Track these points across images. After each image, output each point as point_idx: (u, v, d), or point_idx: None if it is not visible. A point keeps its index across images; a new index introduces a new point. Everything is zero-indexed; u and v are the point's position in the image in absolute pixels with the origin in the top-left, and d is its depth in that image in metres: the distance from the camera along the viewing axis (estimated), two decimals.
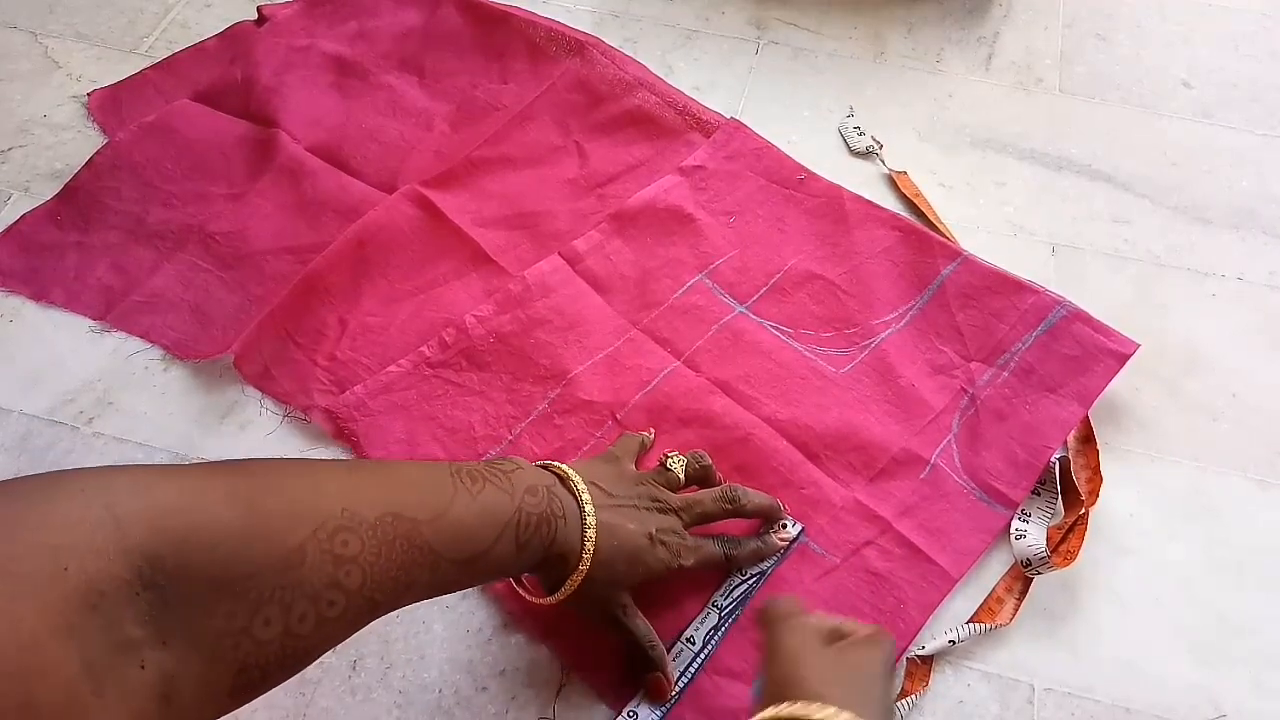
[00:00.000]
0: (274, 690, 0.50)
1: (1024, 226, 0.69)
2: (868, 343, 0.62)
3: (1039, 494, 0.56)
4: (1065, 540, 0.53)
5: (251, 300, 0.65)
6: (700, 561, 0.49)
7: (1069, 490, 0.55)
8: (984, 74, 0.79)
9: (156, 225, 0.69)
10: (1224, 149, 0.74)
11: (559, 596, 0.45)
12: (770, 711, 0.37)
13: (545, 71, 0.77)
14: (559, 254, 0.66)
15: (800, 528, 0.54)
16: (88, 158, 0.72)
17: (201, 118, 0.75)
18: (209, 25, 0.82)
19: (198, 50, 0.80)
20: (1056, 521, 0.55)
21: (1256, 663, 0.51)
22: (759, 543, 0.53)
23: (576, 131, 0.74)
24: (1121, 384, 0.61)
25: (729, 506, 0.51)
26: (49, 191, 0.71)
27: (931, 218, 0.68)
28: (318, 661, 0.50)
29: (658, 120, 0.73)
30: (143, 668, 0.28)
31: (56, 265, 0.67)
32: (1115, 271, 0.67)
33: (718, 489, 0.52)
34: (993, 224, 0.69)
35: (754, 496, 0.52)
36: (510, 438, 0.59)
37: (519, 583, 0.49)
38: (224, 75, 0.77)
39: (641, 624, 0.48)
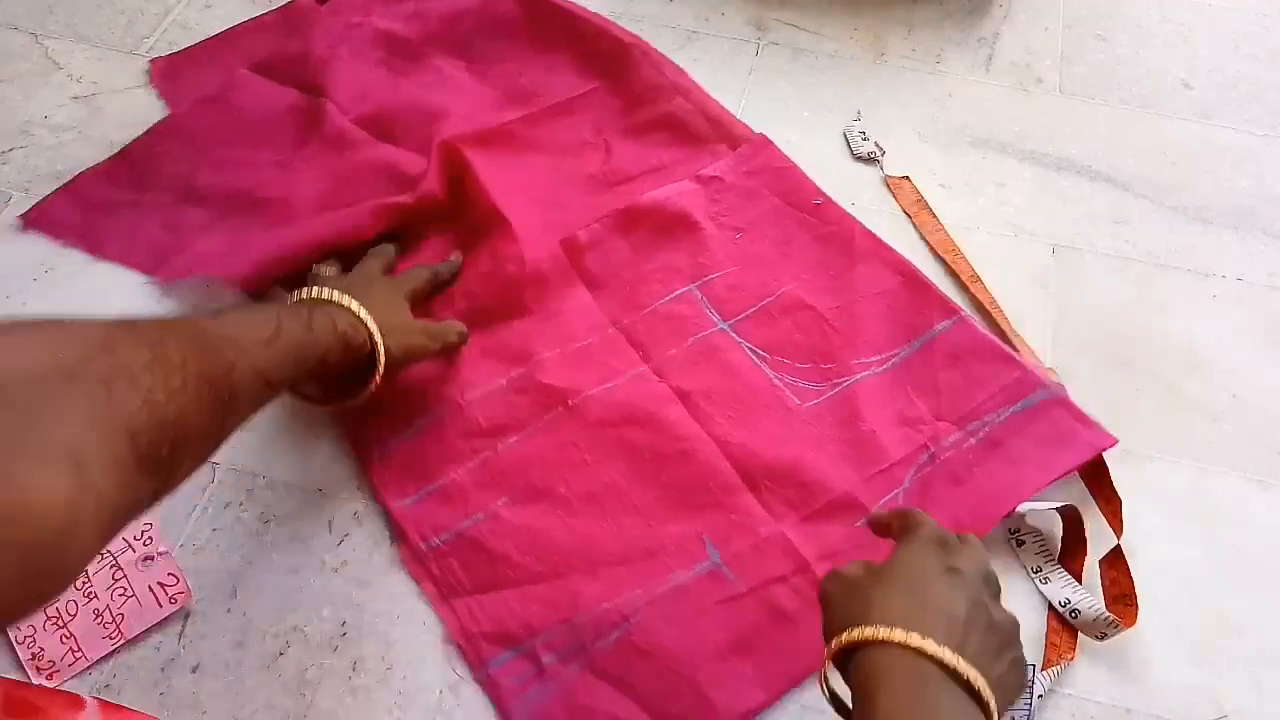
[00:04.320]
0: (273, 690, 0.50)
1: (1024, 226, 0.69)
2: (840, 381, 0.60)
3: (1023, 544, 0.54)
4: (1116, 585, 0.52)
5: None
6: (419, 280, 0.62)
7: (1075, 539, 0.54)
8: (984, 74, 0.79)
9: (206, 189, 0.71)
10: (1224, 149, 0.74)
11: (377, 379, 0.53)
12: (845, 637, 0.37)
13: (590, 72, 0.77)
14: (560, 243, 0.66)
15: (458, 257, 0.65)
16: (88, 158, 0.72)
17: (257, 88, 0.77)
18: (209, 26, 0.83)
19: (257, 24, 0.83)
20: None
21: (1256, 663, 0.51)
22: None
23: (608, 131, 0.74)
24: (1121, 384, 0.61)
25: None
26: (49, 192, 0.71)
27: (926, 232, 0.68)
28: (318, 663, 0.51)
29: (688, 127, 0.73)
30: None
31: (111, 222, 0.70)
32: (1115, 271, 0.67)
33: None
34: (993, 224, 0.69)
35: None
36: (461, 402, 0.60)
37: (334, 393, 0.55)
38: (281, 47, 0.80)
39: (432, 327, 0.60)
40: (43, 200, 0.70)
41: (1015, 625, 0.40)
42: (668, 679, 0.49)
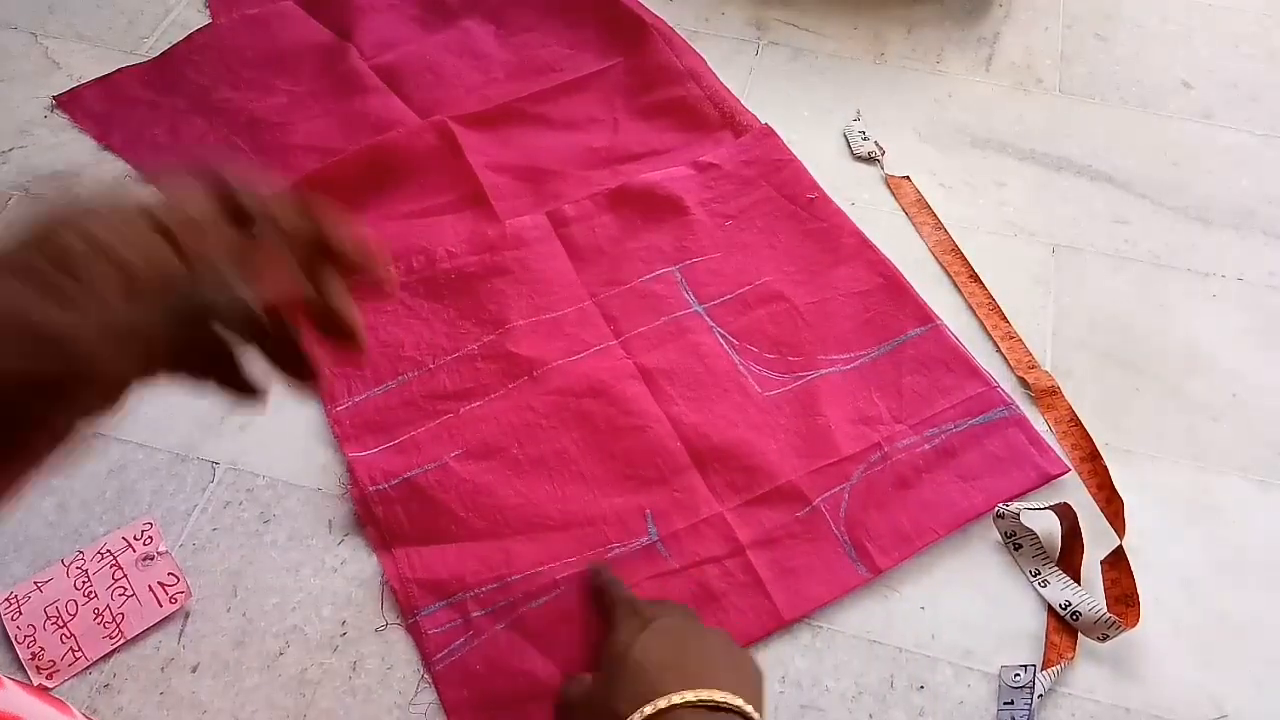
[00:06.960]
0: (273, 690, 0.51)
1: (1024, 226, 0.69)
2: (805, 375, 0.60)
3: (1020, 548, 0.54)
4: (1118, 585, 0.52)
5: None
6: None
7: (1072, 536, 0.54)
8: (984, 74, 0.79)
9: (219, 103, 0.77)
10: (1224, 149, 0.74)
11: None
12: (691, 696, 0.39)
13: (610, 50, 0.79)
14: (546, 214, 0.68)
15: None
16: (87, 158, 0.73)
17: (297, 20, 0.82)
18: None
19: None
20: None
21: (1256, 663, 0.51)
22: None
23: (619, 110, 0.76)
24: (1121, 383, 0.61)
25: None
26: (49, 191, 0.71)
27: (926, 232, 0.68)
28: (318, 662, 0.51)
29: (696, 113, 0.74)
30: None
31: (127, 116, 0.76)
32: (1115, 271, 0.67)
33: None
34: (992, 224, 0.69)
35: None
36: (431, 366, 0.61)
37: None
38: None
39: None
40: (78, 85, 0.78)
41: (724, 633, 0.46)
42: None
